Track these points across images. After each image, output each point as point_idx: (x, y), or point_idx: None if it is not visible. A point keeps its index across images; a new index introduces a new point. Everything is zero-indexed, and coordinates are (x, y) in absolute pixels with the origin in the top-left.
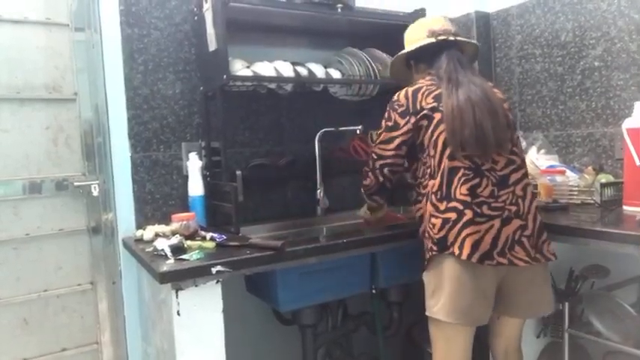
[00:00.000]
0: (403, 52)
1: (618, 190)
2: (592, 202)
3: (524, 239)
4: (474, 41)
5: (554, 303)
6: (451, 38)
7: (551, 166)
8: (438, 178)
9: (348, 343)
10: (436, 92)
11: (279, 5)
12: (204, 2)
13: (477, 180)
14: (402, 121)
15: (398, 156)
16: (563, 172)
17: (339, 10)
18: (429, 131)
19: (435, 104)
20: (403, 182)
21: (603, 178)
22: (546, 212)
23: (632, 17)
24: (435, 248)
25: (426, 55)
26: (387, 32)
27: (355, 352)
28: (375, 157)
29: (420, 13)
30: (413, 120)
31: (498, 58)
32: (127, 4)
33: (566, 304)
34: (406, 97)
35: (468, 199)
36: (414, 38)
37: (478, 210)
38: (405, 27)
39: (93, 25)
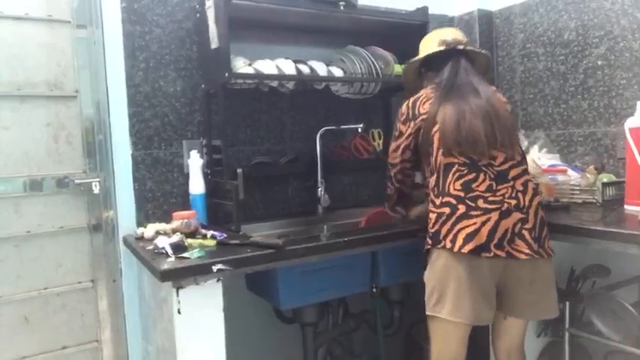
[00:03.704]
0: (413, 59)
1: (620, 189)
2: (593, 201)
3: (525, 232)
4: (485, 51)
5: None
6: (460, 47)
7: (553, 165)
8: (435, 175)
9: (349, 341)
10: (433, 98)
11: (282, 3)
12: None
13: (472, 175)
14: (404, 128)
15: (404, 161)
16: (564, 171)
17: (342, 7)
18: (427, 132)
19: (430, 109)
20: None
21: (605, 177)
22: (548, 211)
23: (635, 16)
24: (429, 242)
25: (435, 64)
26: (389, 30)
27: (356, 351)
28: (390, 166)
29: (422, 11)
30: (412, 124)
31: (501, 56)
32: (128, 1)
33: (567, 303)
34: (407, 107)
35: (462, 194)
36: (426, 47)
37: (472, 204)
38: (407, 25)
39: (95, 22)
